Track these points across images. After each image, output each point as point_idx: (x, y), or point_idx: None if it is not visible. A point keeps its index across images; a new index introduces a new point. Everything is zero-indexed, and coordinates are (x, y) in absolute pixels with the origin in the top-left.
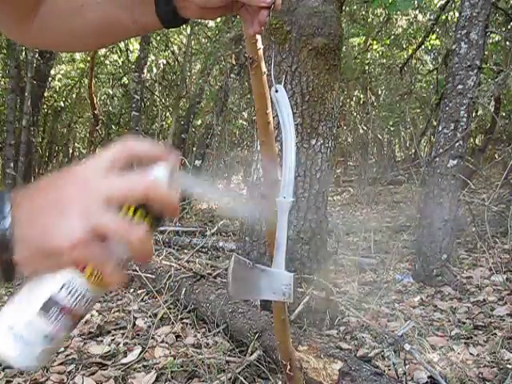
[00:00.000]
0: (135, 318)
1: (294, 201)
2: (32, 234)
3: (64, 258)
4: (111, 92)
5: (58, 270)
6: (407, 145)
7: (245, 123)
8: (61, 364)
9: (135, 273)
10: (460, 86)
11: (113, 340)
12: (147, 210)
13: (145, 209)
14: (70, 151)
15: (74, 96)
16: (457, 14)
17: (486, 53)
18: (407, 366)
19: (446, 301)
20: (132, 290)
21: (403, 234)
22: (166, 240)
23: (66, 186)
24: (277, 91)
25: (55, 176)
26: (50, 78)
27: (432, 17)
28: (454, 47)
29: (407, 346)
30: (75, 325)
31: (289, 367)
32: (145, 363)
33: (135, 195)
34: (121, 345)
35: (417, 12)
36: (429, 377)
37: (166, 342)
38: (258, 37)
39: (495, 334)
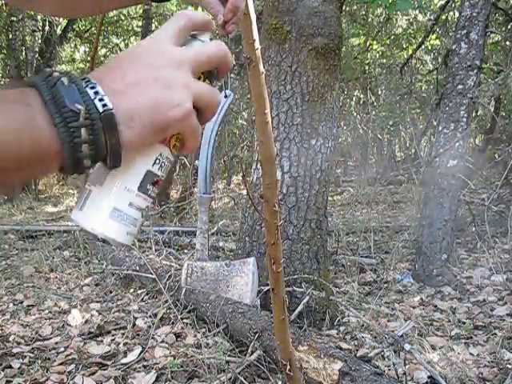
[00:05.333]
0: (135, 318)
1: (214, 196)
2: (143, 110)
3: (170, 130)
4: None
5: (152, 147)
6: (407, 145)
7: (245, 123)
8: (61, 364)
9: (135, 273)
10: (460, 86)
11: (113, 340)
12: (208, 74)
13: (205, 73)
14: None
15: None
16: (457, 14)
17: (485, 53)
18: (407, 366)
19: (446, 301)
20: (132, 290)
21: (403, 234)
22: (166, 240)
23: (152, 59)
24: (226, 96)
25: (129, 52)
26: None
27: (432, 17)
28: (453, 47)
29: (407, 346)
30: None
31: (289, 367)
32: (145, 363)
33: (215, 61)
34: (121, 345)
35: (417, 12)
36: (429, 377)
37: (166, 342)
38: (256, 37)
39: (495, 334)
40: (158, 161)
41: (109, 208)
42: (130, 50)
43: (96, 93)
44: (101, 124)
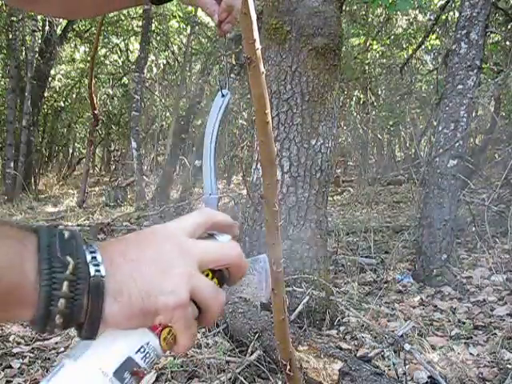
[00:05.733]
0: None
1: (220, 197)
2: (134, 287)
3: (159, 316)
4: (111, 92)
5: (139, 331)
6: (407, 145)
7: (245, 123)
8: None
9: None
10: (460, 86)
11: None
12: (219, 274)
13: (216, 273)
14: (70, 151)
15: (74, 96)
16: (457, 14)
17: (485, 53)
18: (407, 366)
19: (446, 301)
20: None
21: (403, 234)
22: None
23: (159, 243)
24: (223, 96)
25: (141, 232)
26: (50, 78)
27: (432, 17)
28: (453, 47)
29: (407, 346)
30: None
31: (289, 367)
32: None
33: (225, 261)
34: None
35: (417, 12)
36: (429, 377)
37: None
38: (256, 37)
39: (495, 334)
40: (143, 349)
41: None
42: (140, 231)
43: (93, 257)
44: (87, 286)
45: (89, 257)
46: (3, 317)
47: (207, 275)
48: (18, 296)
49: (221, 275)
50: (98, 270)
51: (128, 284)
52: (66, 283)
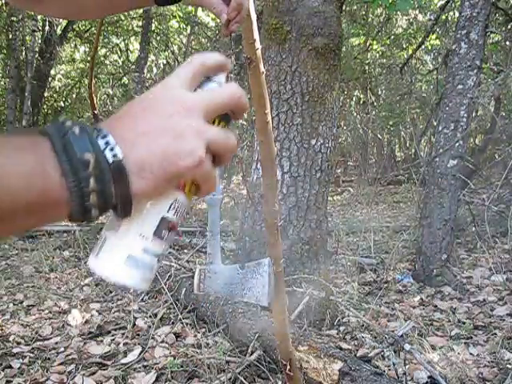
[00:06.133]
0: (135, 318)
1: (223, 197)
2: (154, 160)
3: (183, 178)
4: (111, 92)
5: (169, 193)
6: (407, 145)
7: (245, 123)
8: (61, 364)
9: None
10: (460, 86)
11: (113, 340)
12: (223, 116)
13: (222, 116)
14: None
15: (74, 96)
16: (457, 14)
17: (485, 53)
18: (407, 366)
19: (446, 301)
20: (132, 290)
21: (403, 234)
22: None
23: (163, 107)
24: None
25: (141, 100)
26: (50, 78)
27: (432, 17)
28: (453, 47)
29: (407, 346)
30: (176, 236)
31: (289, 367)
32: (145, 363)
33: (228, 105)
34: (121, 345)
35: (417, 12)
36: (429, 377)
37: (166, 342)
38: (256, 37)
39: (495, 334)
40: (172, 206)
41: (123, 255)
42: (142, 97)
43: (107, 143)
44: (110, 174)
45: (102, 144)
46: (43, 220)
47: (214, 122)
48: (49, 199)
49: (225, 117)
50: (115, 155)
51: (147, 158)
52: (92, 180)
